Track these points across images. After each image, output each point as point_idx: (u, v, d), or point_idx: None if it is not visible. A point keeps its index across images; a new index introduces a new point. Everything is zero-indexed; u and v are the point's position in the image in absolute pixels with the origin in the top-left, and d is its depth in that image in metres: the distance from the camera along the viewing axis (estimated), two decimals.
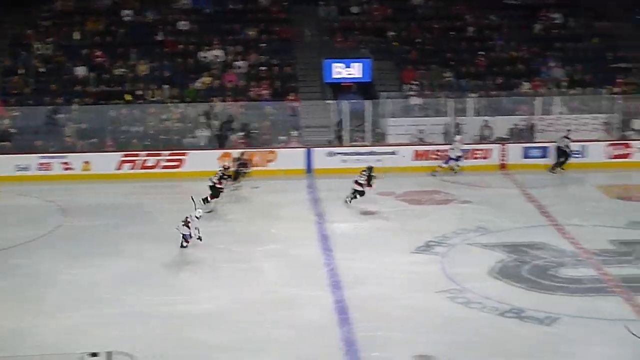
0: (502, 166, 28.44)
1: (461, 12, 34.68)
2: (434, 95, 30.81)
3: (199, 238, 20.03)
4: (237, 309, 17.06)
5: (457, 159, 27.80)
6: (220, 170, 24.19)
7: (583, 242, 21.00)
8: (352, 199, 24.05)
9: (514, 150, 28.75)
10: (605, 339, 15.83)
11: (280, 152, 28.69)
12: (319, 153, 28.62)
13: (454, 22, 34.36)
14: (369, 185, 23.89)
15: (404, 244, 20.96)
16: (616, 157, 29.05)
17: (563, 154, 28.36)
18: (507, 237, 21.47)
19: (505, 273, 19.03)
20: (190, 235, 19.93)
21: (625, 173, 28.49)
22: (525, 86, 31.65)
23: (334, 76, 30.92)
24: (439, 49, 33.16)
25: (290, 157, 28.53)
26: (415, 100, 30.58)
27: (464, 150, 27.95)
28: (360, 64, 30.78)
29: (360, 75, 30.87)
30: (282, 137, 29.43)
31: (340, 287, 18.29)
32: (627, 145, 29.16)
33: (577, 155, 28.61)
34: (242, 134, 29.20)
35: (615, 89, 31.25)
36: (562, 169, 28.35)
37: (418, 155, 28.67)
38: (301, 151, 28.64)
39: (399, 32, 33.80)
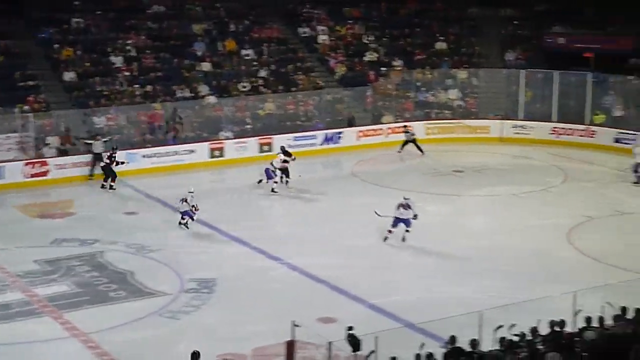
0: None
1: None
2: None
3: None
4: None
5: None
6: None
7: (8, 265, 20.94)
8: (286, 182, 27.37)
9: None
10: None
11: None
12: None
13: None
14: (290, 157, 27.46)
15: None
16: (34, 175, 29.13)
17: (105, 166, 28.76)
18: None
19: None
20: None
21: (44, 191, 28.59)
22: None
23: None
24: None
25: None
26: None
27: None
28: None
29: None
30: None
31: None
32: (44, 163, 29.41)
33: None
34: None
35: (27, 107, 31.29)
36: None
37: None
38: None
39: None
